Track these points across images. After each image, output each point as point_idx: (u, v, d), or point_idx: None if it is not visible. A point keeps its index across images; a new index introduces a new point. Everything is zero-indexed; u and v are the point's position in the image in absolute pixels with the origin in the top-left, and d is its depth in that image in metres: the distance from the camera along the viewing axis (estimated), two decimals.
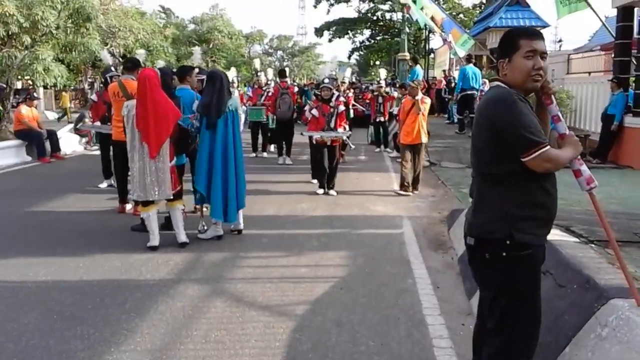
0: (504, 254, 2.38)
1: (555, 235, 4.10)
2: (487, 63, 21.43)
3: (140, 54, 9.30)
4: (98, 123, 8.58)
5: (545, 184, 2.39)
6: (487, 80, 15.63)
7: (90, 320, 3.83)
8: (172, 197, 5.58)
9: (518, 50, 2.39)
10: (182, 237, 5.62)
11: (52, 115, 26.95)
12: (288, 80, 12.77)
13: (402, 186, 8.46)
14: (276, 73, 13.69)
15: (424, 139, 8.62)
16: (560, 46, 24.74)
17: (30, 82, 19.46)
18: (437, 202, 7.95)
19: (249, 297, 4.32)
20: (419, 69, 17.00)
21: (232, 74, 17.33)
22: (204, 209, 6.18)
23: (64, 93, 27.09)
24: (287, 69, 14.28)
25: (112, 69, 8.34)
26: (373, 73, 54.18)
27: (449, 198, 8.12)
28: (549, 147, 2.31)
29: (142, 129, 5.31)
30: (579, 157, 2.53)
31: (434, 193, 8.61)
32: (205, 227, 6.02)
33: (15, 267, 4.91)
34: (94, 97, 9.08)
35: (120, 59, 17.16)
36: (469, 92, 14.99)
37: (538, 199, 2.38)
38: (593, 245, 3.92)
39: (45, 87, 23.87)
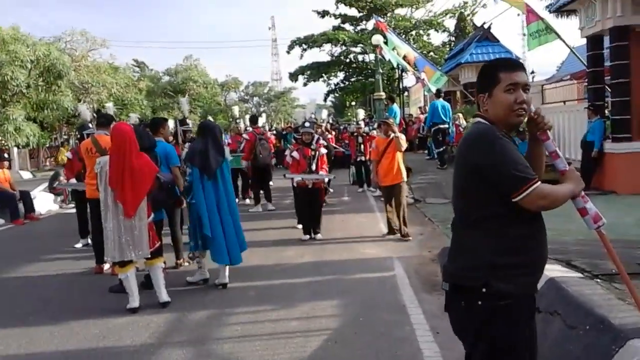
0: (480, 302, 2.14)
1: (556, 271, 3.93)
2: (461, 98, 21.71)
3: (109, 107, 9.12)
4: (73, 180, 8.29)
5: (529, 227, 2.19)
6: (460, 114, 15.78)
7: None
8: (150, 256, 5.29)
9: (498, 84, 2.21)
10: (164, 297, 5.31)
11: (26, 175, 26.45)
12: (264, 126, 12.63)
13: (391, 230, 8.13)
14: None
15: (404, 176, 8.25)
16: (533, 77, 25.19)
17: (3, 142, 19.13)
18: (425, 241, 7.75)
19: (237, 358, 4.03)
20: (396, 107, 17.02)
21: None
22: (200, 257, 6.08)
23: (61, 148, 26.53)
24: (263, 115, 14.18)
25: (89, 125, 8.13)
26: (349, 114, 54.63)
27: (437, 235, 7.94)
28: (540, 182, 2.12)
29: (116, 187, 5.03)
30: (583, 193, 2.34)
31: (421, 231, 8.43)
32: (201, 266, 6.02)
33: None
34: (68, 154, 8.80)
35: (95, 115, 16.97)
36: (440, 126, 15.24)
37: (521, 244, 2.16)
38: (599, 280, 3.74)
39: (18, 147, 23.47)
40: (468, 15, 33.70)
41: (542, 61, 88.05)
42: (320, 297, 5.39)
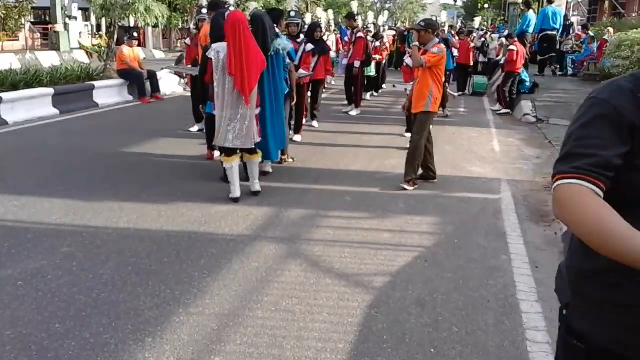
0: (559, 324, 1.55)
1: None
2: (609, 9, 19.34)
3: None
4: (190, 66, 8.54)
5: None
6: (611, 29, 14.23)
7: (164, 275, 3.75)
8: (254, 147, 5.45)
9: None
10: (257, 187, 5.58)
11: (159, 54, 27.83)
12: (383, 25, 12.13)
13: (426, 172, 6.32)
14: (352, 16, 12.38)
15: (426, 106, 5.87)
16: None
17: (137, 21, 19.99)
18: (542, 165, 7.23)
19: (325, 262, 4.08)
20: (532, 15, 15.53)
21: (326, 17, 16.79)
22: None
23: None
24: (385, 13, 13.53)
25: (202, 11, 8.19)
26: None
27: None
28: (585, 182, 1.25)
29: (235, 74, 5.11)
30: None
31: (539, 154, 7.86)
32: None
33: (100, 212, 4.95)
34: (187, 40, 9.03)
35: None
36: (549, 33, 14.57)
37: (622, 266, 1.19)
38: None
39: (154, 27, 24.47)
40: None
41: None
42: (416, 212, 5.27)
